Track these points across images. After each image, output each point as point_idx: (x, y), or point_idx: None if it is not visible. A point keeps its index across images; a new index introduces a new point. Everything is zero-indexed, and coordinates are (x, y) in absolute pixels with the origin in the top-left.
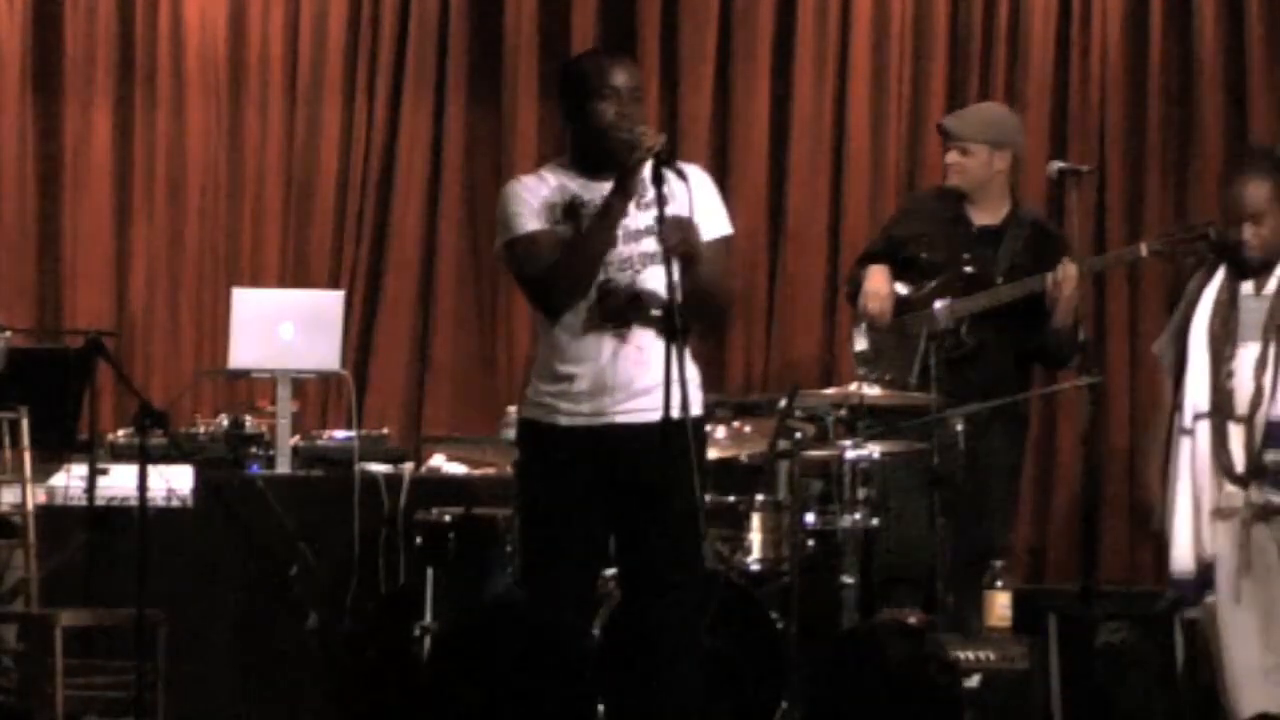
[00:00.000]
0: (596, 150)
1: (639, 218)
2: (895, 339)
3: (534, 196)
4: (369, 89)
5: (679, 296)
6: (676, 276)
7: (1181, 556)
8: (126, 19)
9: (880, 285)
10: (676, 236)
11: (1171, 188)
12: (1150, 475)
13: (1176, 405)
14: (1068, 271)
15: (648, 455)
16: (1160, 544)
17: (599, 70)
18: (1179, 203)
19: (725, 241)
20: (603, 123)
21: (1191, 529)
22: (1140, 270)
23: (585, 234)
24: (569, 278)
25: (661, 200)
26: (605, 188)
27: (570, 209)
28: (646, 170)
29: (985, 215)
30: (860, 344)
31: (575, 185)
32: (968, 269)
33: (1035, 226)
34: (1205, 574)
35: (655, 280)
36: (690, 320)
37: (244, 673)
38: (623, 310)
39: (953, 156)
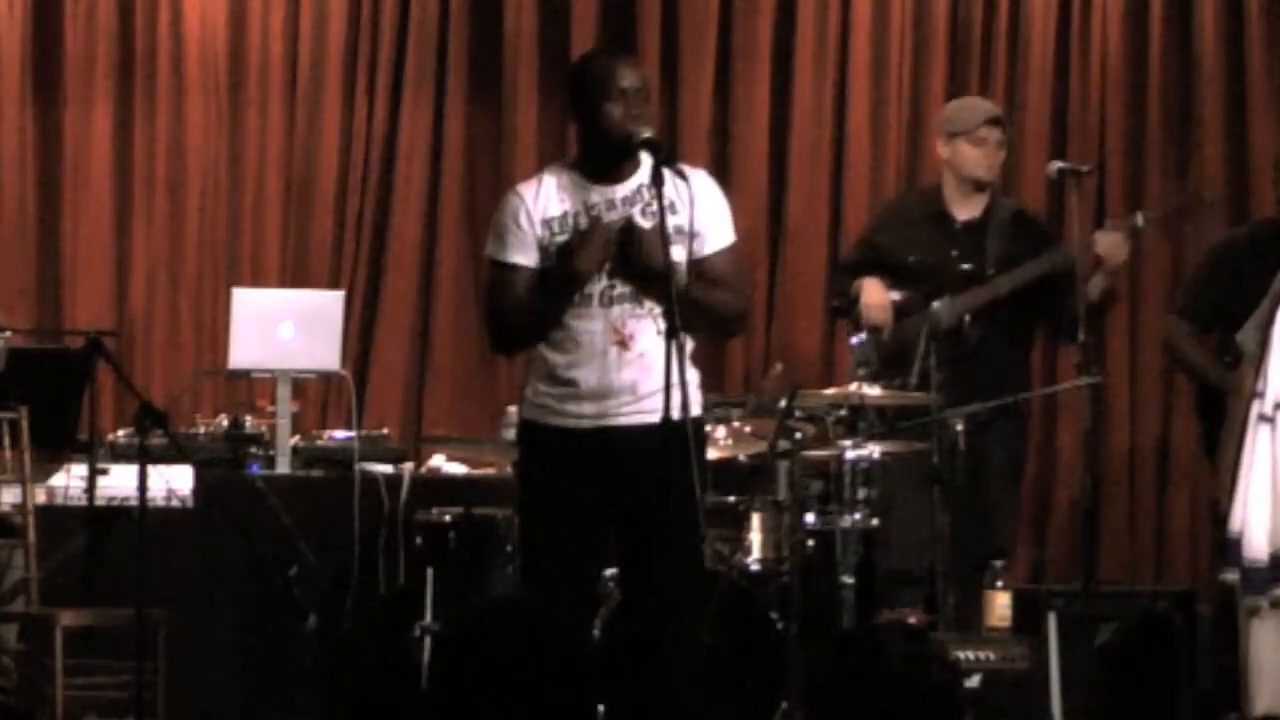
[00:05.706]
0: (603, 152)
1: (642, 224)
2: (895, 346)
3: (529, 217)
4: (369, 89)
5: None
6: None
7: (1257, 544)
8: (126, 19)
9: (879, 296)
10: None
11: (1171, 188)
12: (1224, 459)
13: (1257, 393)
14: (1114, 240)
15: (648, 456)
16: (1150, 532)
17: (607, 71)
18: None
19: (731, 251)
20: (610, 124)
21: (1271, 517)
22: (1141, 269)
23: (544, 296)
24: (522, 330)
25: (663, 207)
26: (611, 190)
27: (568, 219)
28: (645, 172)
29: (967, 209)
30: (861, 355)
31: (580, 188)
32: (961, 265)
33: (1016, 214)
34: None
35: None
36: (691, 327)
37: (244, 673)
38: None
39: (997, 148)
